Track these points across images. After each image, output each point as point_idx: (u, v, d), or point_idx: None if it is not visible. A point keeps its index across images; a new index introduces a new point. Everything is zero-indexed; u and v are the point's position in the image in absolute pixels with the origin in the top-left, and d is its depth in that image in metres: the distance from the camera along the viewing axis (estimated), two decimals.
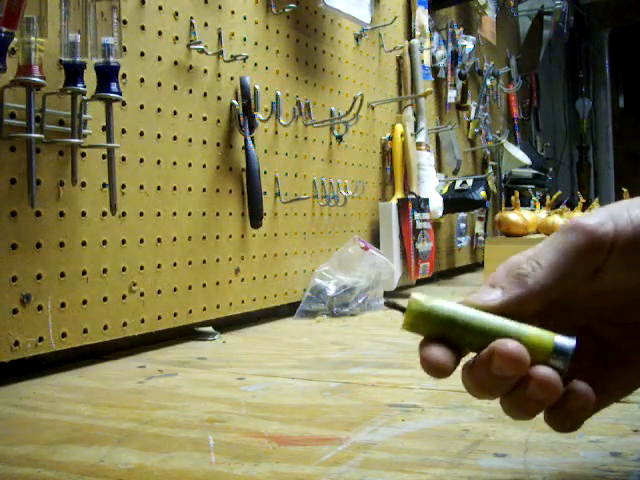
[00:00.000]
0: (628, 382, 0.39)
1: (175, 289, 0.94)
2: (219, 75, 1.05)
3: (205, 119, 1.01)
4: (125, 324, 0.86)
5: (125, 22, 0.86)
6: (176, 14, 0.95)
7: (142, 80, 0.89)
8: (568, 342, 0.35)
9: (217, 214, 1.03)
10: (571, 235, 0.35)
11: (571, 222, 0.36)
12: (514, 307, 0.35)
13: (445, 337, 0.36)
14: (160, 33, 0.92)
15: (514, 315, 0.36)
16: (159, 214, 0.92)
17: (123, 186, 0.86)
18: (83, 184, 0.80)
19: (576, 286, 0.37)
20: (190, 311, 0.97)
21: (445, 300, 0.37)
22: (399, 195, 1.53)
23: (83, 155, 0.80)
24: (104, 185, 0.82)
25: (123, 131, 0.86)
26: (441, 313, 0.36)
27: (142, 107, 0.89)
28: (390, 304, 0.37)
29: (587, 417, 0.38)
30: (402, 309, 0.37)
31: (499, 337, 0.35)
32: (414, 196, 1.52)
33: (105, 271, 0.83)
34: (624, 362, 0.39)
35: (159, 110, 0.92)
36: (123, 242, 0.86)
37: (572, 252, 0.35)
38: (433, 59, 1.86)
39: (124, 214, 0.86)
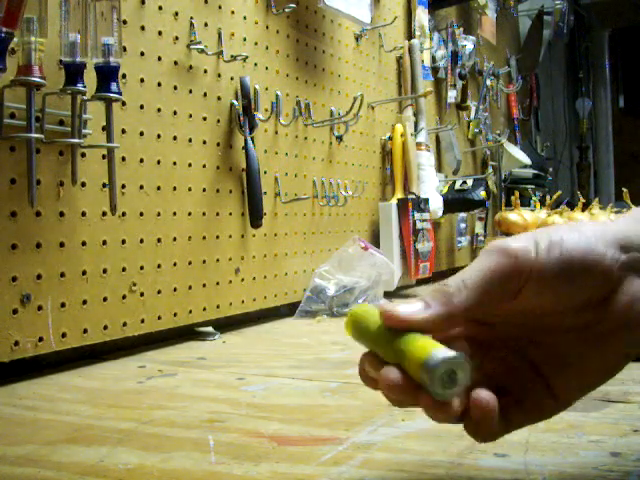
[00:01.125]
0: (577, 385, 0.39)
1: (175, 289, 0.94)
2: (219, 75, 1.05)
3: (205, 119, 1.01)
4: (125, 324, 0.86)
5: (125, 22, 0.86)
6: (176, 14, 0.95)
7: (142, 80, 0.89)
8: (441, 355, 0.34)
9: (217, 214, 1.03)
10: (496, 257, 0.36)
11: (497, 243, 0.37)
12: (436, 324, 0.36)
13: (367, 347, 0.38)
14: (160, 33, 0.92)
15: (437, 330, 0.37)
16: (159, 214, 0.92)
17: (123, 186, 0.86)
18: (83, 184, 0.80)
19: (498, 306, 0.37)
20: (190, 311, 0.97)
21: (370, 309, 0.38)
22: (399, 195, 1.53)
23: (83, 155, 0.80)
24: (104, 185, 0.82)
25: (123, 131, 0.86)
26: (362, 324, 0.38)
27: (142, 107, 0.89)
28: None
29: (516, 426, 0.38)
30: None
31: (394, 354, 0.36)
32: (414, 196, 1.52)
33: (105, 271, 0.83)
34: (564, 368, 0.39)
35: (159, 110, 0.92)
36: (123, 242, 0.86)
37: (495, 274, 0.36)
38: (433, 59, 1.86)
39: (124, 214, 0.86)
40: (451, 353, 0.34)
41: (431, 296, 0.37)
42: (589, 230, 0.37)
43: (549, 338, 0.39)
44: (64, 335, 0.77)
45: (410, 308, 0.36)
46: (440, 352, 0.33)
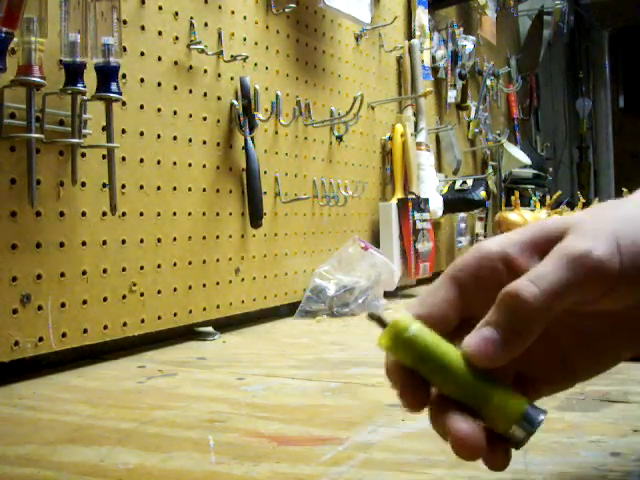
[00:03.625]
0: (594, 363, 0.39)
1: (175, 289, 0.94)
2: (219, 75, 1.05)
3: (205, 119, 1.01)
4: (125, 324, 0.86)
5: (125, 22, 0.86)
6: (176, 14, 0.95)
7: (142, 80, 0.89)
8: (536, 414, 0.33)
9: (217, 214, 1.03)
10: (576, 268, 0.33)
11: (573, 249, 0.33)
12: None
13: (415, 369, 0.34)
14: (160, 33, 0.92)
15: None
16: (159, 214, 0.92)
17: (123, 186, 0.86)
18: (83, 184, 0.80)
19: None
20: (190, 311, 0.97)
21: (428, 330, 0.34)
22: (399, 195, 1.53)
23: (83, 155, 0.80)
24: (104, 185, 0.82)
25: (123, 131, 0.86)
26: (420, 347, 0.33)
27: (142, 107, 0.89)
28: (374, 317, 0.35)
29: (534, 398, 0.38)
30: (383, 325, 0.35)
31: (465, 394, 0.33)
32: (414, 196, 1.52)
33: (105, 271, 0.83)
34: (588, 345, 0.38)
35: (159, 110, 0.92)
36: (123, 242, 0.86)
37: (577, 290, 0.33)
38: (433, 59, 1.86)
39: (124, 214, 0.86)
40: (544, 414, 0.34)
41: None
42: None
43: (582, 321, 0.38)
44: (64, 335, 0.77)
45: (499, 348, 0.32)
46: (537, 412, 0.34)
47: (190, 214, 0.98)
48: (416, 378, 0.34)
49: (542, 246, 0.35)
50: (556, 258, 0.33)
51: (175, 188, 0.95)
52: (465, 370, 0.33)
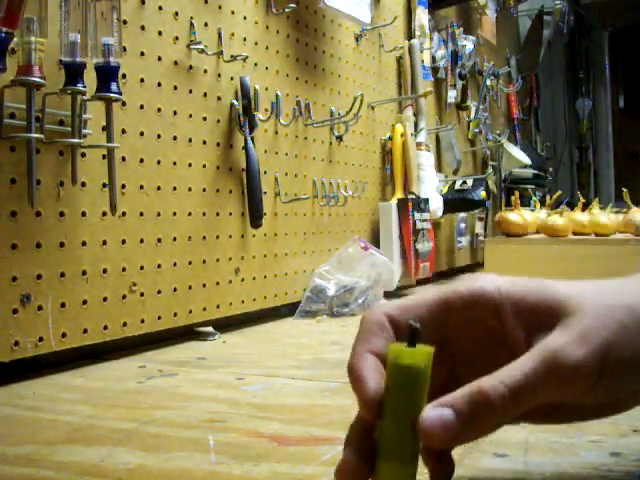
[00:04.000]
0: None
1: (175, 289, 0.94)
2: (219, 75, 1.05)
3: (205, 119, 1.01)
4: (125, 324, 0.86)
5: (125, 22, 0.86)
6: (176, 14, 0.95)
7: (142, 80, 0.89)
8: None
9: (217, 214, 1.03)
10: (553, 372, 0.33)
11: (555, 355, 0.33)
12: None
13: (390, 394, 0.33)
14: (160, 33, 0.92)
15: None
16: (159, 214, 0.92)
17: (123, 186, 0.86)
18: (83, 184, 0.80)
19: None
20: (190, 311, 0.97)
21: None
22: (399, 195, 1.53)
23: (83, 155, 0.80)
24: (104, 185, 0.82)
25: (123, 131, 0.86)
26: (418, 383, 0.33)
27: (142, 107, 0.89)
28: (414, 328, 0.33)
29: None
30: (413, 342, 0.33)
31: (386, 443, 0.33)
32: (414, 196, 1.52)
33: (105, 271, 0.83)
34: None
35: (159, 110, 0.92)
36: (123, 242, 0.86)
37: (553, 392, 0.34)
38: (433, 59, 1.86)
39: (124, 214, 0.86)
40: None
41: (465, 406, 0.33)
42: None
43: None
44: (64, 335, 0.77)
45: (452, 435, 0.32)
46: None
47: (190, 214, 0.98)
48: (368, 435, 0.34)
49: (530, 310, 0.36)
50: (536, 358, 0.33)
51: (175, 188, 0.95)
52: (404, 422, 0.32)
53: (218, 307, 1.03)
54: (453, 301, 0.37)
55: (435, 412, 0.32)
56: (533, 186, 2.48)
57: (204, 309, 1.00)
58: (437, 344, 0.34)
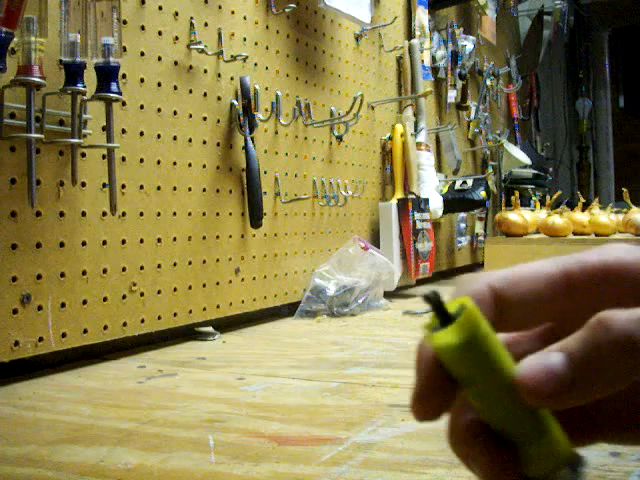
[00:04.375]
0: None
1: (175, 289, 0.94)
2: (219, 75, 1.05)
3: (205, 119, 1.01)
4: (125, 324, 0.86)
5: (125, 22, 0.86)
6: (176, 14, 0.95)
7: (142, 80, 0.89)
8: (581, 461, 0.27)
9: (217, 214, 1.03)
10: None
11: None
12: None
13: (457, 378, 0.25)
14: (160, 33, 0.92)
15: None
16: (159, 214, 0.92)
17: (123, 186, 0.86)
18: (83, 184, 0.80)
19: None
20: (190, 311, 0.97)
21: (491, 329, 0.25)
22: (399, 195, 1.53)
23: (83, 155, 0.80)
24: (104, 185, 0.82)
25: (123, 131, 0.86)
26: (481, 355, 0.25)
27: (142, 107, 0.89)
28: (432, 299, 0.24)
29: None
30: (445, 315, 0.25)
31: (510, 424, 0.26)
32: (414, 196, 1.52)
33: (105, 271, 0.83)
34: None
35: (159, 110, 0.92)
36: (123, 242, 0.86)
37: None
38: (433, 59, 1.86)
39: (124, 214, 0.86)
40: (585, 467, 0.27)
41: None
42: None
43: None
44: (64, 335, 0.77)
45: (562, 388, 0.24)
46: (582, 459, 0.27)
47: (190, 214, 0.98)
48: (447, 383, 0.26)
49: None
50: None
51: (175, 188, 0.95)
52: (515, 394, 0.25)
53: (218, 307, 1.03)
54: (577, 276, 0.28)
55: (537, 359, 0.24)
56: (533, 186, 2.48)
57: (204, 309, 1.00)
58: (550, 331, 0.27)
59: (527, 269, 0.28)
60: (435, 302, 0.25)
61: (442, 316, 0.25)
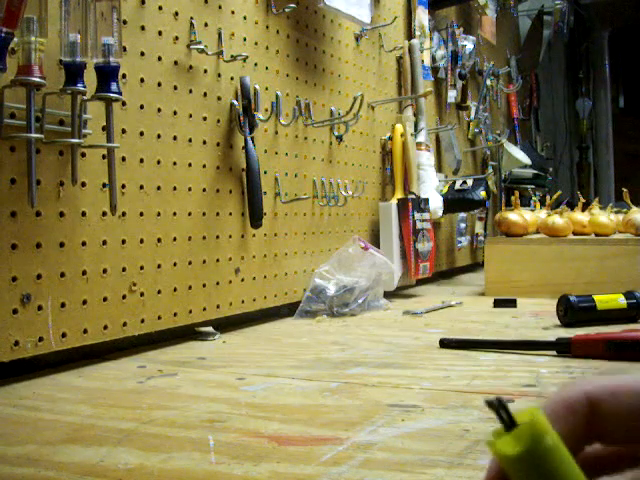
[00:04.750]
0: None
1: (175, 289, 0.94)
2: (219, 75, 1.05)
3: (205, 119, 1.01)
4: (125, 324, 0.86)
5: (125, 22, 0.86)
6: (176, 14, 0.95)
7: (142, 80, 0.89)
8: None
9: (217, 214, 1.03)
10: None
11: None
12: None
13: None
14: (160, 33, 0.92)
15: None
16: (159, 214, 0.92)
17: (123, 186, 0.86)
18: (83, 184, 0.80)
19: None
20: (190, 311, 0.97)
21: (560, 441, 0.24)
22: (399, 195, 1.53)
23: (83, 155, 0.80)
24: (104, 185, 0.82)
25: (123, 131, 0.86)
26: (552, 467, 0.24)
27: (142, 107, 0.89)
28: (495, 405, 0.24)
29: None
30: (510, 422, 0.24)
31: None
32: (414, 196, 1.52)
33: (105, 271, 0.83)
34: None
35: (159, 110, 0.92)
36: (123, 242, 0.86)
37: None
38: (433, 59, 1.86)
39: (124, 214, 0.86)
40: None
41: None
42: None
43: None
44: (64, 335, 0.77)
45: None
46: None
47: (190, 214, 0.98)
48: None
49: None
50: None
51: (175, 188, 0.95)
52: None
53: (218, 307, 1.03)
54: None
55: None
56: (533, 186, 2.48)
57: (204, 309, 1.00)
58: None
59: (630, 381, 0.26)
60: (497, 408, 0.24)
61: (507, 422, 0.24)
